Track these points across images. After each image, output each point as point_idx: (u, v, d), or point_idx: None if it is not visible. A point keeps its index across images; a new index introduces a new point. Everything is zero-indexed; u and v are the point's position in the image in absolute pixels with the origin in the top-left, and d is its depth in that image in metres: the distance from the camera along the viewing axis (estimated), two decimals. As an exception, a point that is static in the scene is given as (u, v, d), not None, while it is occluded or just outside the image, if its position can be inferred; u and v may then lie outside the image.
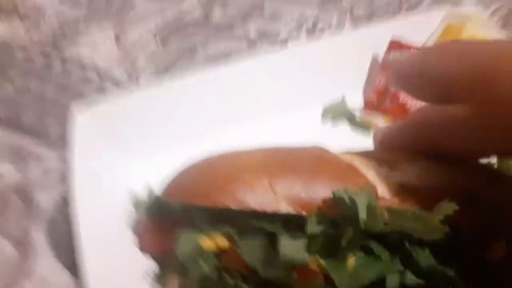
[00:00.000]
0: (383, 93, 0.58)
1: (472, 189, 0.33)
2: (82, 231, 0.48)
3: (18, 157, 0.68)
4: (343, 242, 0.29)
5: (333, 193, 0.31)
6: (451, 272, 0.30)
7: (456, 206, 0.28)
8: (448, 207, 0.28)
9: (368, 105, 0.59)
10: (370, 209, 0.29)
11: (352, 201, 0.29)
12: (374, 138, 0.42)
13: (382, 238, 0.31)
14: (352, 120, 0.59)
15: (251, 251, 0.32)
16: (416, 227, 0.29)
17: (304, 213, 0.31)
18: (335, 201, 0.30)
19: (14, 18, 0.85)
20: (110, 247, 0.49)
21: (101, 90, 0.75)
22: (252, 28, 0.84)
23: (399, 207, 0.31)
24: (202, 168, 0.38)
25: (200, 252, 0.34)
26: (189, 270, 0.35)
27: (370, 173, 0.34)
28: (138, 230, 0.45)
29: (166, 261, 0.41)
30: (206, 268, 0.34)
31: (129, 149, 0.59)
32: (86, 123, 0.57)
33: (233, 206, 0.32)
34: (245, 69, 0.63)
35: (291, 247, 0.30)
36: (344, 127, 0.59)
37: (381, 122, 0.58)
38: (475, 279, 0.32)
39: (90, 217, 0.50)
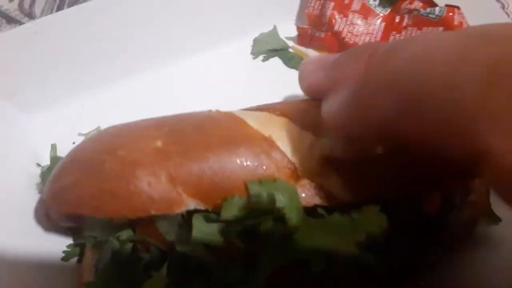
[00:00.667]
0: (317, 20, 0.53)
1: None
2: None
3: None
4: (262, 229, 0.26)
5: (249, 188, 0.27)
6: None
7: (384, 220, 0.26)
8: (372, 223, 0.26)
9: (302, 36, 0.54)
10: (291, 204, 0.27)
11: (271, 197, 0.27)
12: (301, 76, 0.37)
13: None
14: (284, 52, 0.55)
15: (168, 225, 0.29)
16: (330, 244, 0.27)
17: (213, 208, 0.28)
18: (251, 195, 0.27)
19: None
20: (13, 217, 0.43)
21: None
22: None
23: (317, 222, 0.28)
24: (88, 167, 0.30)
25: (112, 225, 0.30)
26: (102, 243, 0.31)
27: (289, 148, 0.30)
28: (47, 202, 0.39)
29: (80, 234, 0.36)
30: (117, 243, 0.30)
31: (22, 102, 0.48)
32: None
33: (130, 215, 0.27)
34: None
35: (205, 230, 0.27)
36: (276, 61, 0.56)
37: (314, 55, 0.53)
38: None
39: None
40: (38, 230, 0.40)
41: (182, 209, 0.27)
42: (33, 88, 0.47)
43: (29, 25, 0.46)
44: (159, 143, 0.29)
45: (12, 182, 0.42)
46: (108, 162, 0.29)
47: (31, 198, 0.41)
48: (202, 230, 0.27)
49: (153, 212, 0.27)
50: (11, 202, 0.41)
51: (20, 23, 0.60)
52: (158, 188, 0.27)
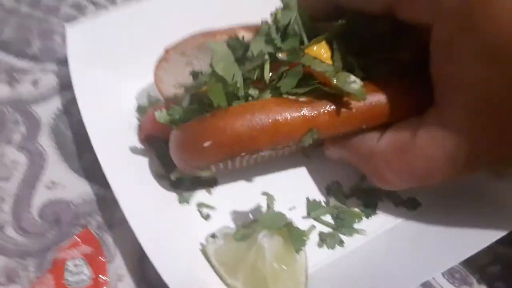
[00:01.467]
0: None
1: None
2: (93, 136, 0.54)
3: (6, 74, 0.70)
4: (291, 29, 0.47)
5: None
6: None
7: None
8: None
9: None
10: None
11: None
12: None
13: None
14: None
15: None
16: None
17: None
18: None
19: None
20: (122, 149, 0.58)
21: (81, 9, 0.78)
22: None
23: None
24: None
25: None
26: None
27: None
28: (143, 122, 0.57)
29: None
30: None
31: (120, 69, 0.63)
32: (79, 41, 0.61)
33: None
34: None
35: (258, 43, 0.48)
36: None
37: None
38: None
39: (97, 123, 0.56)
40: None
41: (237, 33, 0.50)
42: (131, 61, 0.62)
43: (127, 11, 0.62)
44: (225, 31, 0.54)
45: (120, 131, 0.59)
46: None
47: (133, 140, 0.59)
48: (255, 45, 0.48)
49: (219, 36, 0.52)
50: (119, 143, 0.58)
51: (105, 7, 0.75)
52: (224, 32, 0.52)
